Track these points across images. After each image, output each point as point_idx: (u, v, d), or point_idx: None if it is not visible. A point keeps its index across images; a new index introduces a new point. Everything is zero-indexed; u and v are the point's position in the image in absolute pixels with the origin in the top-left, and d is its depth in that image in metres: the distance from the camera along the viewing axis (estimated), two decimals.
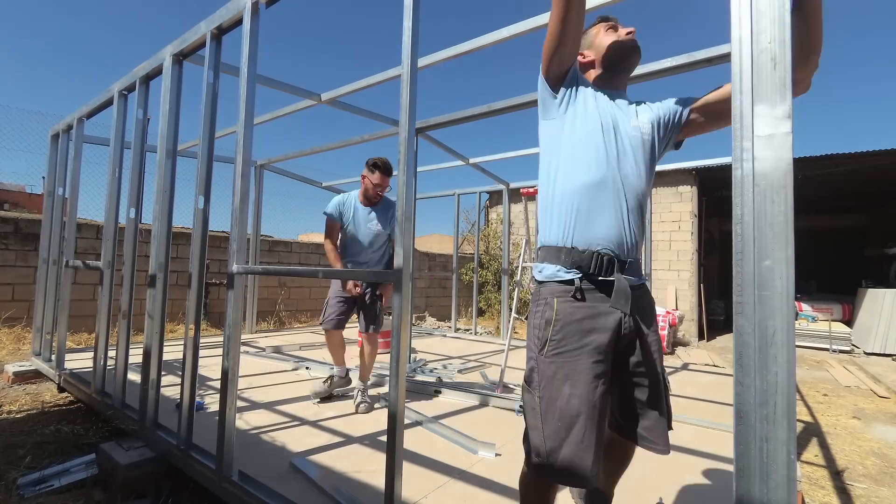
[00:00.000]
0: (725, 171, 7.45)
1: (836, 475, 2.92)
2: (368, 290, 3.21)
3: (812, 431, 3.76)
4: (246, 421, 2.83)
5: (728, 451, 2.49)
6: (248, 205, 2.09)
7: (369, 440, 2.60)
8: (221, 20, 2.23)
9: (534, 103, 1.59)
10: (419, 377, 4.11)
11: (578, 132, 1.34)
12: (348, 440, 2.60)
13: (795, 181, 0.84)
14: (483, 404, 3.37)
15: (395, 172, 3.43)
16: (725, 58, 2.87)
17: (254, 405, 3.19)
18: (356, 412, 3.07)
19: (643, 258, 2.00)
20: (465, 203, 13.00)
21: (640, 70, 3.21)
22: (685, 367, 5.31)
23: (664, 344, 7.39)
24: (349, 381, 3.43)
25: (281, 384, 3.78)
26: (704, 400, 3.67)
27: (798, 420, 3.94)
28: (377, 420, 2.95)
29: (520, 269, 4.11)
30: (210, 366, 4.19)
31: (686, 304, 9.35)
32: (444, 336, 7.00)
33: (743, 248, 0.86)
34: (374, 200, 3.34)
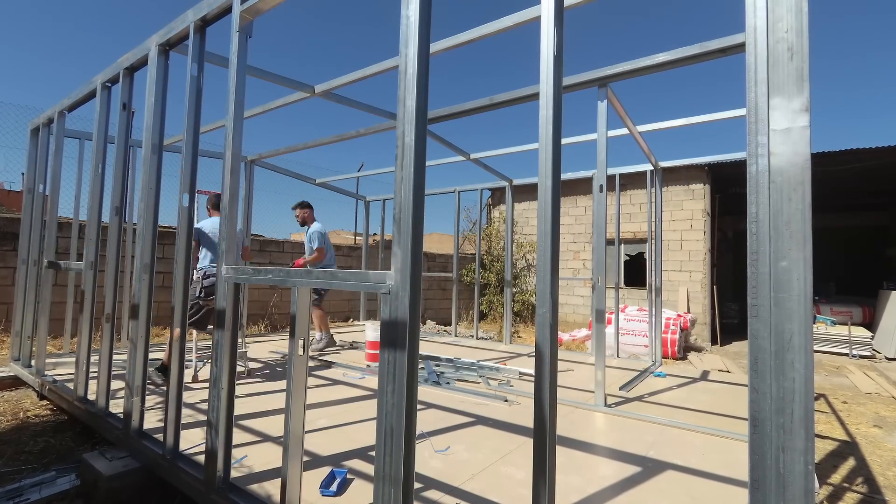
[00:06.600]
0: (740, 166, 7.45)
1: (856, 486, 2.92)
2: None
3: (830, 440, 3.76)
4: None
5: (741, 465, 2.49)
6: (237, 202, 2.09)
7: (358, 454, 2.59)
8: (207, 10, 2.23)
9: (536, 96, 1.59)
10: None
11: None
12: (327, 459, 2.60)
13: (813, 177, 0.84)
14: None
15: (392, 169, 3.42)
16: (739, 48, 2.87)
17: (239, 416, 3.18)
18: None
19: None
20: (465, 200, 12.98)
21: (650, 61, 3.22)
22: (704, 376, 5.29)
23: (675, 349, 7.38)
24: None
25: (267, 393, 3.78)
26: (716, 413, 3.67)
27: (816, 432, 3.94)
28: (372, 431, 2.94)
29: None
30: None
31: (698, 306, 9.35)
32: (444, 342, 7.00)
33: (758, 248, 0.86)
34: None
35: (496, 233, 12.10)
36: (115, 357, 3.09)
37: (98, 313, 3.04)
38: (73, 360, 3.16)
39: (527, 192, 11.65)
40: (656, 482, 2.27)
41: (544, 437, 1.47)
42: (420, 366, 4.67)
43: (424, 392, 3.81)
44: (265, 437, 2.72)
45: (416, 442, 1.49)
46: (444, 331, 8.99)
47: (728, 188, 10.17)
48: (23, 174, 4.77)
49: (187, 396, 3.41)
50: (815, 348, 8.05)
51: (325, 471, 2.23)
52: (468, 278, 11.20)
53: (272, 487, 2.07)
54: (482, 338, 7.75)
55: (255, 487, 2.06)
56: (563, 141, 1.90)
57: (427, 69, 1.48)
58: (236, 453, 2.46)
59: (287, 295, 8.59)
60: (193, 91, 2.30)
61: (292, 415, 1.73)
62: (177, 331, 2.27)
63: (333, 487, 2.06)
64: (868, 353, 7.93)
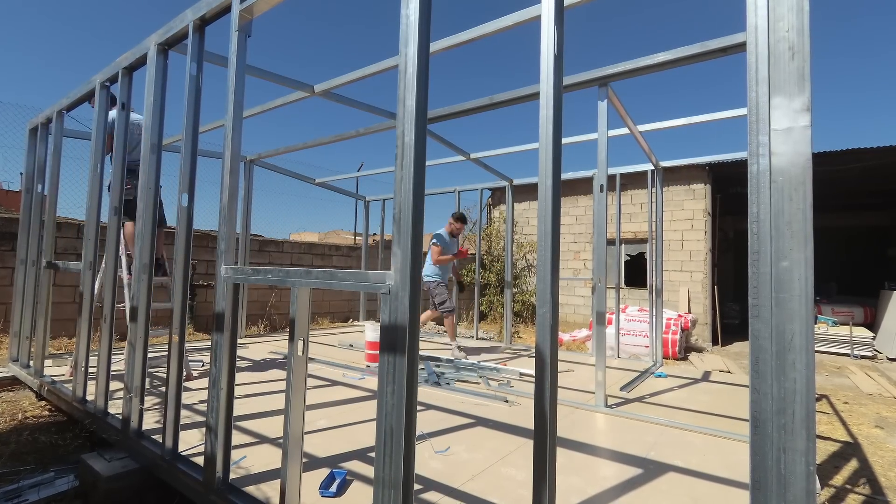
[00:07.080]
0: (740, 166, 7.45)
1: (858, 488, 2.92)
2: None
3: (832, 441, 3.76)
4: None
5: (742, 466, 2.49)
6: (237, 202, 2.09)
7: (358, 456, 2.59)
8: (206, 9, 2.23)
9: (536, 95, 1.59)
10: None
11: None
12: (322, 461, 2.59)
13: (814, 177, 0.84)
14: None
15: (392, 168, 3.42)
16: (740, 47, 2.87)
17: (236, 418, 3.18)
18: None
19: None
20: (465, 200, 12.96)
21: (650, 61, 3.22)
22: (705, 376, 5.29)
23: (676, 349, 7.39)
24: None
25: (267, 394, 3.78)
26: (717, 414, 3.66)
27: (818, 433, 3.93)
28: (372, 432, 2.94)
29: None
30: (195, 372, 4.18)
31: (699, 306, 9.35)
32: (444, 343, 7.00)
33: (759, 248, 0.86)
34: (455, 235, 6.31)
35: (496, 233, 12.09)
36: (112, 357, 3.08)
37: (97, 314, 3.04)
38: (72, 360, 3.16)
39: (527, 192, 11.65)
40: (657, 483, 2.27)
41: (545, 438, 1.47)
42: (420, 366, 4.67)
43: (424, 393, 3.81)
44: (264, 439, 2.71)
45: (416, 443, 1.49)
46: (445, 331, 8.99)
47: (729, 188, 10.17)
48: (21, 174, 4.77)
49: (186, 397, 3.41)
50: (817, 349, 8.06)
51: (324, 472, 2.23)
52: (468, 279, 11.19)
53: (270, 489, 2.07)
54: (482, 338, 7.74)
55: (253, 489, 2.06)
56: (564, 141, 1.91)
57: (427, 68, 1.48)
58: (235, 454, 2.46)
59: (283, 295, 8.59)
60: (192, 90, 2.30)
61: (292, 416, 1.73)
62: (175, 336, 2.27)
63: (333, 488, 2.07)
64: (869, 354, 7.93)
